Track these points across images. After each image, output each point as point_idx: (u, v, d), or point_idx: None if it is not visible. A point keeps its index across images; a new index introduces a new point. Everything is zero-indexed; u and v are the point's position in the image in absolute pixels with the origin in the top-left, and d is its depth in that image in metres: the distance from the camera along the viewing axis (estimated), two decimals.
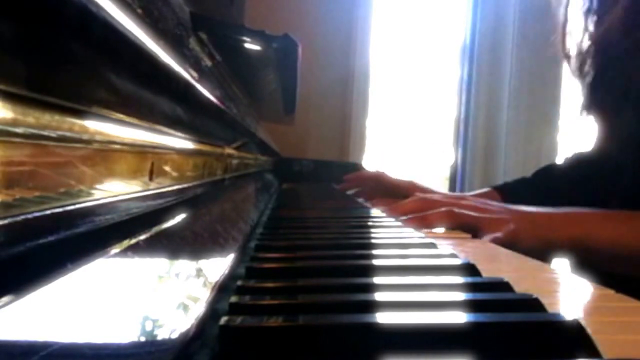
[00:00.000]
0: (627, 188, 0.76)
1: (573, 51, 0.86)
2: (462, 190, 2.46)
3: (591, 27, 0.82)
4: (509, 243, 0.64)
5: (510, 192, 1.01)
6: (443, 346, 0.25)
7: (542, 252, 0.65)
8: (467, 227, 0.69)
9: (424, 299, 0.31)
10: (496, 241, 0.64)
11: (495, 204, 0.77)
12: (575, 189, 0.88)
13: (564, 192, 0.91)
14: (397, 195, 1.08)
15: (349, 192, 1.27)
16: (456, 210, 0.71)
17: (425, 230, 0.67)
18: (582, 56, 0.84)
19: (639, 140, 0.75)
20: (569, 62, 0.87)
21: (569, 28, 0.86)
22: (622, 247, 0.66)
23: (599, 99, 0.83)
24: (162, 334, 0.22)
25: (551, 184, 0.98)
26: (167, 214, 0.37)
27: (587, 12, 0.83)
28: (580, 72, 0.85)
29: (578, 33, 0.85)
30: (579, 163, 0.97)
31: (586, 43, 0.83)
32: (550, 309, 0.29)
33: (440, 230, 0.69)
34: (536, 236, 0.68)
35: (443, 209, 0.71)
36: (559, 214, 0.72)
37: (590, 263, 0.67)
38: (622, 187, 0.76)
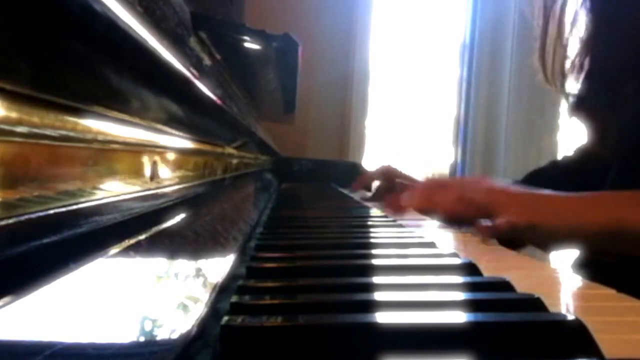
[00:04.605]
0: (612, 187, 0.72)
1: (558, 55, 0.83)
2: None
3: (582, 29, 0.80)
4: (527, 228, 0.60)
5: None
6: (444, 346, 0.25)
7: (564, 240, 0.61)
8: (479, 211, 0.64)
9: (424, 299, 0.31)
10: (512, 225, 0.60)
11: (512, 186, 0.70)
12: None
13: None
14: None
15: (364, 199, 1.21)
16: (467, 194, 0.66)
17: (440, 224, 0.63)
18: (573, 58, 0.82)
19: (631, 141, 0.72)
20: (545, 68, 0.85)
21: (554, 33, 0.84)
22: None
23: (588, 101, 0.80)
24: (164, 334, 0.22)
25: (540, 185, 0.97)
26: (168, 213, 0.37)
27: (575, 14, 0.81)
28: (571, 73, 0.82)
29: (568, 34, 0.82)
30: (562, 167, 0.98)
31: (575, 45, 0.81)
32: (551, 309, 0.29)
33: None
34: (560, 222, 0.61)
35: (452, 194, 0.66)
36: (585, 197, 0.65)
37: (624, 249, 0.62)
38: (607, 187, 0.73)
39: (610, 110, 0.75)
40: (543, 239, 0.62)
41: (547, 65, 0.85)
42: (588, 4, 0.79)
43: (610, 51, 0.75)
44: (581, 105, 0.81)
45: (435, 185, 0.71)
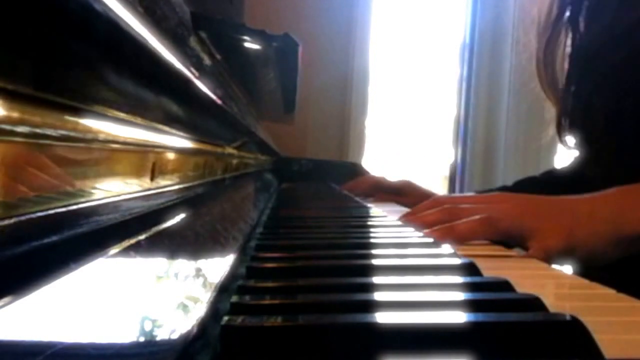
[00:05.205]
0: None
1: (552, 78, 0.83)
2: (461, 189, 2.46)
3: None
4: (565, 252, 0.54)
5: None
6: (443, 346, 0.25)
7: (605, 254, 0.55)
8: (508, 237, 0.58)
9: (424, 299, 0.31)
10: (548, 253, 0.53)
11: (535, 198, 0.61)
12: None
13: None
14: (397, 196, 1.09)
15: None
16: (494, 215, 0.58)
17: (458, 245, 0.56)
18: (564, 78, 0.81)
19: (619, 168, 0.70)
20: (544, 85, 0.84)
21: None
22: None
23: (579, 122, 0.78)
24: (164, 334, 0.22)
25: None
26: (168, 213, 0.37)
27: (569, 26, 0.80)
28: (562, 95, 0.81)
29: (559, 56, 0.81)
30: (553, 177, 0.98)
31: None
32: (551, 309, 0.29)
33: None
34: (600, 236, 0.55)
35: (476, 216, 0.57)
36: (612, 199, 0.58)
37: None
38: None
39: (606, 132, 0.73)
40: (581, 258, 0.56)
41: (545, 89, 0.85)
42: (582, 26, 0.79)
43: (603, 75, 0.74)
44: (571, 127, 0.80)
45: (453, 209, 0.62)
